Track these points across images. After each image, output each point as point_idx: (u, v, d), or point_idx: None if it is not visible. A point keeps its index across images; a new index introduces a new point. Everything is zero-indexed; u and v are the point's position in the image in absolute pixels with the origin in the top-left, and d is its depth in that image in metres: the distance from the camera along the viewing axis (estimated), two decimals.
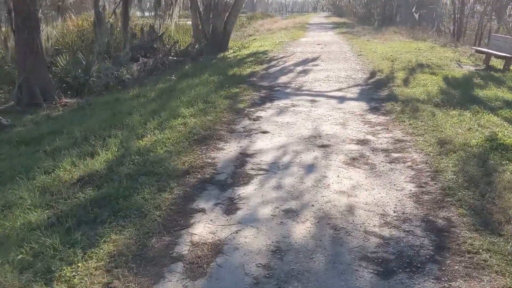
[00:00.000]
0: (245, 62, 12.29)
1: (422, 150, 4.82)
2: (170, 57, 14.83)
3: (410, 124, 5.78)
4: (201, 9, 16.04)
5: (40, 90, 9.12)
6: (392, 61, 11.87)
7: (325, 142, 5.18)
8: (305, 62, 12.44)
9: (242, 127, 5.85)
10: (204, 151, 4.84)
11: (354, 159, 4.62)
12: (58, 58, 10.42)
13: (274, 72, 10.71)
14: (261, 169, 4.36)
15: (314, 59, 12.97)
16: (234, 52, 15.45)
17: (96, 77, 11.24)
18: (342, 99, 7.57)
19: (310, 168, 4.39)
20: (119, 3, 11.59)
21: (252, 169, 4.37)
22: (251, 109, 6.90)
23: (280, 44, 17.26)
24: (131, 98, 8.34)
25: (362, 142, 5.20)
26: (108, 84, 11.29)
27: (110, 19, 11.92)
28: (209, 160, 4.58)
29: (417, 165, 4.42)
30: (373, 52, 13.99)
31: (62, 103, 9.35)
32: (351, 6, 41.56)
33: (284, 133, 5.57)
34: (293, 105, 7.14)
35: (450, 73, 9.58)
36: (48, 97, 9.21)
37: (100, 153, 4.70)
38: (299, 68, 11.21)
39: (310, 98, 7.70)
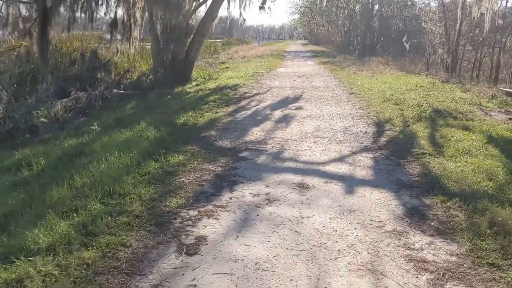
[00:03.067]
0: (207, 102, 9.07)
1: None
2: (116, 90, 11.53)
3: None
4: (159, 32, 12.86)
5: None
6: (397, 104, 8.86)
7: None
8: (285, 103, 9.31)
9: (153, 286, 2.56)
10: None
11: None
12: None
13: (243, 120, 7.51)
14: None
15: (296, 98, 9.87)
16: (197, 85, 12.24)
17: None
18: (350, 183, 4.38)
19: None
20: (35, 21, 8.27)
21: None
22: (189, 212, 3.60)
23: (254, 76, 14.16)
24: (6, 168, 4.99)
25: None
26: (14, 131, 7.93)
27: (23, 42, 8.58)
28: None
29: None
30: (367, 90, 11.00)
31: None
32: (329, 34, 39.22)
33: None
34: (269, 200, 3.89)
35: (489, 128, 6.57)
36: None
37: None
38: (278, 114, 8.04)
39: (297, 178, 4.48)
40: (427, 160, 5.03)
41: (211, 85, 11.93)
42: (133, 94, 11.65)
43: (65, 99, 10.02)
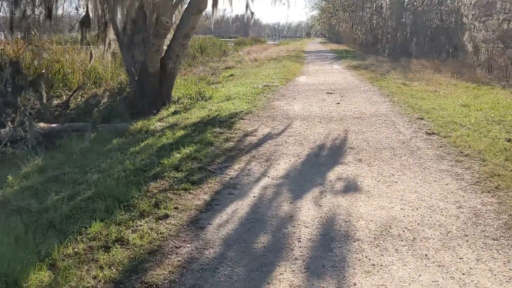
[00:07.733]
0: (165, 168, 4.36)
1: None
2: (42, 125, 6.97)
3: None
4: (120, 31, 8.22)
5: None
6: None
7: None
8: (317, 165, 4.53)
9: None
10: None
11: None
12: None
13: (217, 263, 2.78)
14: None
15: (336, 149, 5.09)
16: (175, 113, 7.54)
17: None
18: None
19: None
20: None
21: None
22: None
23: (264, 93, 9.36)
24: None
25: None
26: None
27: None
28: None
29: None
30: (453, 124, 6.15)
31: None
32: (353, 31, 34.03)
33: None
34: None
35: None
36: None
37: None
38: (308, 217, 3.27)
39: None
40: None
41: (196, 114, 7.22)
42: (72, 128, 7.09)
43: None
